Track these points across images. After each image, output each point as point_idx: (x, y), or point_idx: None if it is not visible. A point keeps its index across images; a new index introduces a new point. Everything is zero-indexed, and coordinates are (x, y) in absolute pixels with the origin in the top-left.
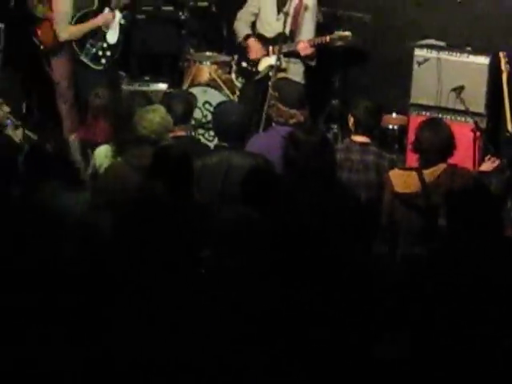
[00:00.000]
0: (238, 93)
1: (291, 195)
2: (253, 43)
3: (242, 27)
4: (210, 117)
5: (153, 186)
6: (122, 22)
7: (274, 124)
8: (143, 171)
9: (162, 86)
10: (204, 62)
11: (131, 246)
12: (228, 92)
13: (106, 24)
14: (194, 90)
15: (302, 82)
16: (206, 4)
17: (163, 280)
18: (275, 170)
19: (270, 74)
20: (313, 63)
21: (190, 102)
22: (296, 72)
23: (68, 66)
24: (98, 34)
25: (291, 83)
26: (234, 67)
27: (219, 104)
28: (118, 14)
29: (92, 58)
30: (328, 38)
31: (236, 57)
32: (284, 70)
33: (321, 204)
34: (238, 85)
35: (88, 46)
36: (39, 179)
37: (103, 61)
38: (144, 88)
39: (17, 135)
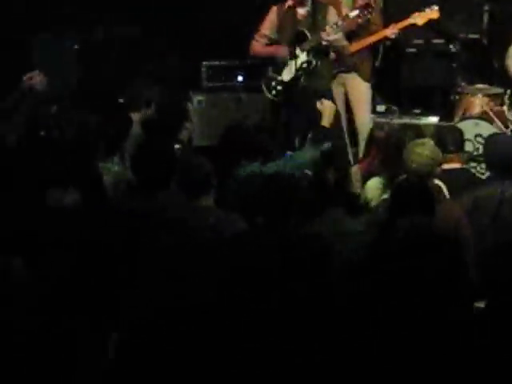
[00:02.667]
0: (511, 126)
1: None
2: None
3: None
4: (481, 149)
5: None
6: (305, 65)
7: None
8: None
9: (433, 119)
10: (475, 95)
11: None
12: (500, 124)
13: (282, 57)
14: (465, 123)
15: None
16: (477, 36)
17: None
18: None
19: None
20: None
21: (461, 135)
22: None
23: None
24: (279, 65)
25: None
26: (507, 100)
27: (491, 136)
28: (302, 56)
29: (265, 83)
30: None
31: (509, 90)
32: None
33: None
34: (511, 118)
35: (269, 71)
36: (322, 206)
37: (273, 92)
38: (415, 121)
39: None
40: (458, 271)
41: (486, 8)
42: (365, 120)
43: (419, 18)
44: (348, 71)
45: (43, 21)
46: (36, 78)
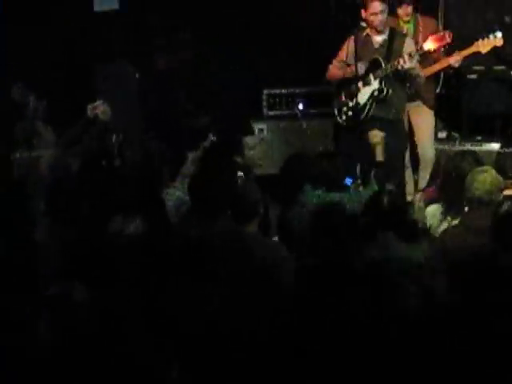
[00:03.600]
0: None
1: None
2: None
3: None
4: None
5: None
6: (376, 93)
7: None
8: (480, 233)
9: (495, 146)
10: None
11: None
12: None
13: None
14: None
15: None
16: None
17: None
18: None
19: None
20: None
21: None
22: None
23: None
24: (352, 90)
25: None
26: None
27: None
28: (375, 84)
29: (337, 108)
30: None
31: None
32: None
33: None
34: None
35: (342, 94)
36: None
37: (343, 117)
38: (476, 148)
39: None
40: None
41: None
42: (428, 147)
43: (483, 46)
44: (413, 100)
45: (107, 49)
46: (100, 108)
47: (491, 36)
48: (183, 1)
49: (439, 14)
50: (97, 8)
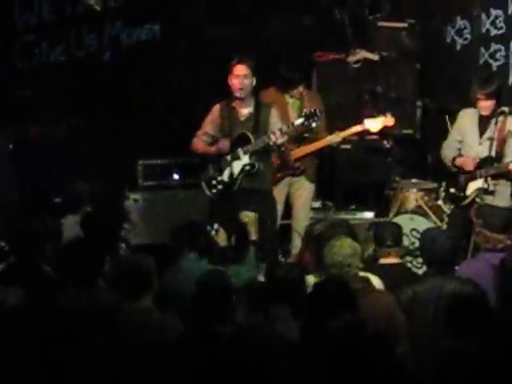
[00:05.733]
0: (446, 219)
1: (506, 326)
2: (463, 158)
3: (448, 154)
4: (417, 244)
5: None
6: (247, 168)
7: (482, 250)
8: None
9: (369, 215)
10: (410, 189)
11: None
12: (435, 219)
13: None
14: (401, 218)
15: (509, 204)
16: (410, 132)
17: None
18: (487, 298)
19: (477, 199)
20: None
21: (400, 230)
22: (503, 195)
23: None
24: (220, 164)
25: (494, 208)
26: (443, 194)
27: (426, 231)
28: (245, 159)
29: (206, 181)
30: None
31: (444, 183)
32: (492, 193)
33: None
34: (447, 211)
35: (210, 169)
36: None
37: (213, 190)
38: (350, 217)
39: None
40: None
41: (419, 104)
42: (304, 217)
43: (374, 125)
44: (295, 174)
45: None
46: None
47: (381, 116)
48: (56, 73)
49: (312, 87)
50: None
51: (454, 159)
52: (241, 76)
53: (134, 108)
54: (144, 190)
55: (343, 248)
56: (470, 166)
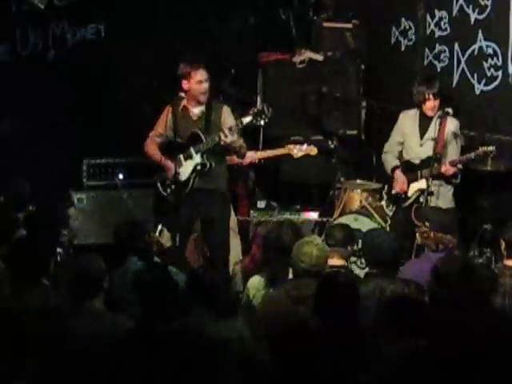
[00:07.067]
0: (389, 220)
1: (443, 324)
2: (398, 176)
3: (389, 159)
4: (360, 244)
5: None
6: (199, 167)
7: (426, 250)
8: (304, 302)
9: (313, 215)
10: (355, 190)
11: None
12: (379, 219)
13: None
14: (345, 218)
15: (451, 205)
16: (354, 132)
17: None
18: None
19: (421, 198)
20: (457, 181)
21: (348, 231)
22: (445, 195)
23: None
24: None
25: (438, 209)
26: (385, 195)
27: (369, 231)
28: (197, 158)
29: (160, 181)
30: (473, 154)
31: (386, 185)
32: (432, 194)
33: (472, 332)
34: (389, 213)
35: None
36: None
37: (167, 190)
38: (295, 217)
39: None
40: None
41: (363, 104)
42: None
43: (296, 152)
44: None
45: None
46: None
47: (305, 145)
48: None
49: (258, 87)
50: None
51: (393, 169)
52: (203, 81)
53: (79, 107)
54: (88, 190)
55: (314, 254)
56: (399, 188)
